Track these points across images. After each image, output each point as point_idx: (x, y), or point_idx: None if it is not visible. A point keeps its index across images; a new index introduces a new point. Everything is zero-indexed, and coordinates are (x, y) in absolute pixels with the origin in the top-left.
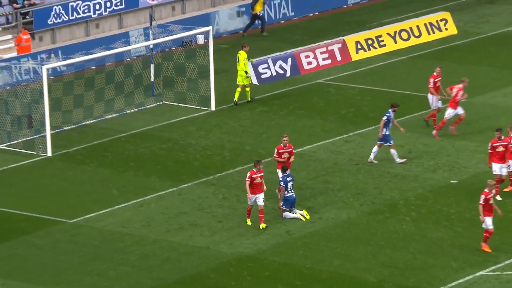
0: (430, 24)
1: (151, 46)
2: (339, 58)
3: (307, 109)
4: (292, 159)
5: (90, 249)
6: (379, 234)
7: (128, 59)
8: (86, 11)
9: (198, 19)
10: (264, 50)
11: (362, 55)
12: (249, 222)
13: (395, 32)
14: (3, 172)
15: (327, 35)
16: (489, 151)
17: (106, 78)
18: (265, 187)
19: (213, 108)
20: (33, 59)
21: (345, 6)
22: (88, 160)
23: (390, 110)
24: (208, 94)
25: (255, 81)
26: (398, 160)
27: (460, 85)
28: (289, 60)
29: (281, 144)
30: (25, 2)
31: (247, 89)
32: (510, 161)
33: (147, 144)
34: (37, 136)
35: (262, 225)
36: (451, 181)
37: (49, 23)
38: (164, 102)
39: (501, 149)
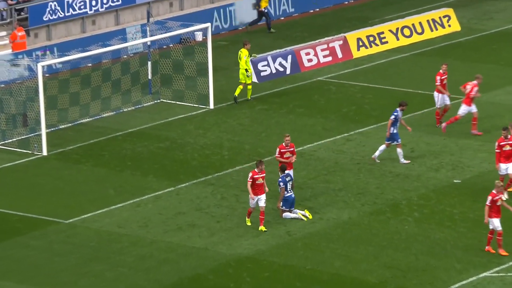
0: (433, 20)
1: (149, 43)
2: (340, 55)
3: (307, 107)
4: (294, 159)
5: (86, 250)
6: (381, 235)
7: (125, 56)
8: (82, 7)
9: (196, 15)
10: (264, 47)
11: (364, 52)
12: (248, 223)
13: (397, 29)
14: None
15: (328, 32)
16: (497, 150)
17: (102, 76)
18: (267, 189)
19: (211, 106)
20: (28, 56)
21: (346, 2)
22: (84, 159)
23: (398, 109)
24: (206, 92)
25: (254, 79)
26: (403, 160)
27: (475, 82)
28: (289, 57)
29: (283, 144)
30: None
31: (249, 87)
32: None
33: (145, 143)
34: (32, 134)
35: (262, 228)
36: (455, 181)
37: (45, 19)
38: (161, 100)
39: (508, 148)
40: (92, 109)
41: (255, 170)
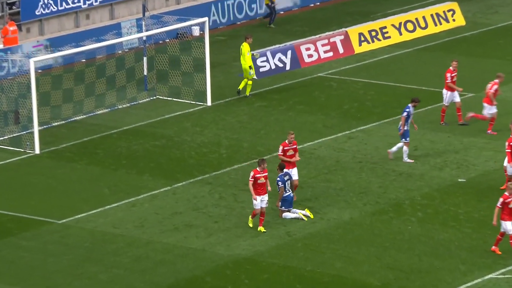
0: (437, 15)
1: (144, 38)
2: (341, 50)
3: (307, 104)
4: (297, 157)
5: (80, 251)
6: (384, 235)
7: (120, 52)
8: (75, 1)
9: (193, 9)
10: (263, 42)
11: (366, 47)
12: (250, 224)
13: (400, 23)
14: None
15: (329, 27)
16: (507, 150)
17: (97, 72)
18: (269, 188)
19: (209, 103)
20: (20, 51)
21: None
22: (78, 158)
23: (409, 105)
24: (203, 89)
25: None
26: (407, 159)
27: (496, 80)
28: (289, 52)
29: (286, 141)
30: None
31: (249, 82)
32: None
33: (140, 141)
34: (24, 132)
35: (261, 228)
36: (459, 180)
37: (37, 13)
38: (157, 96)
39: None
40: (86, 106)
41: (257, 169)
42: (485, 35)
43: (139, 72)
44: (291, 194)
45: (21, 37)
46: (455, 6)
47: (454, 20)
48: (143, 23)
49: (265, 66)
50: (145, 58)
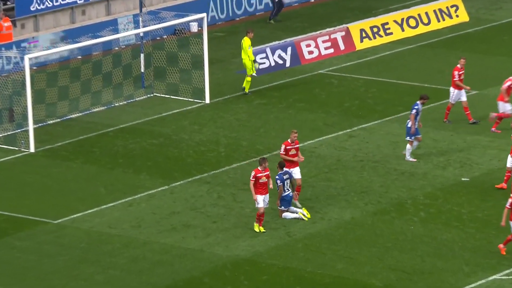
0: (440, 10)
1: (141, 34)
2: (342, 47)
3: (308, 102)
4: (300, 156)
5: (76, 252)
6: (385, 236)
7: (117, 48)
8: None
9: (191, 5)
10: (262, 38)
11: (367, 43)
12: (256, 228)
13: (402, 19)
14: None
15: (330, 23)
16: None
17: (93, 69)
18: (271, 186)
19: (207, 100)
20: (15, 47)
21: None
22: (74, 156)
23: (418, 102)
24: (202, 86)
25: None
26: (409, 158)
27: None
28: (289, 49)
29: (289, 140)
30: None
31: (248, 79)
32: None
33: (137, 139)
34: (19, 130)
35: (260, 228)
36: (463, 179)
37: (32, 9)
38: (155, 94)
39: None
40: (82, 104)
41: (258, 168)
42: (489, 32)
43: (136, 69)
44: (291, 194)
45: (16, 33)
46: (458, 1)
47: (457, 16)
48: (140, 19)
49: (264, 63)
50: (142, 55)
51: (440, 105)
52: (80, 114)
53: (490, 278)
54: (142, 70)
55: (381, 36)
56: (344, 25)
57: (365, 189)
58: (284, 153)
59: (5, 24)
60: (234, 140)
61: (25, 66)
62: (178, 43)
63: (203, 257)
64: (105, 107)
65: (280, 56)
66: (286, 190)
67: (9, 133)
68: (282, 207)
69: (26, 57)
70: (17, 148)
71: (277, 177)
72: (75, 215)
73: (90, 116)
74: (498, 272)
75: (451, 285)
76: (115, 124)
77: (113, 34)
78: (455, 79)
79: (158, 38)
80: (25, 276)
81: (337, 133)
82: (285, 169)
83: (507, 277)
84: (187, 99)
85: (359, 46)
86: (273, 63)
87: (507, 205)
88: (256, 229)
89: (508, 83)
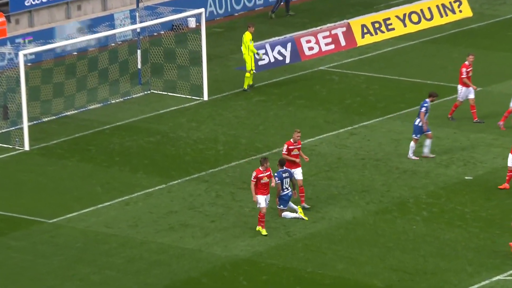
0: (443, 6)
1: (138, 30)
2: (343, 43)
3: (308, 99)
4: (305, 157)
5: (71, 252)
6: (387, 235)
7: (113, 44)
8: None
9: (189, 0)
10: (262, 34)
11: (369, 39)
12: (264, 232)
13: (404, 15)
14: None
15: (330, 18)
16: None
17: (88, 65)
18: (273, 184)
19: (205, 97)
20: (9, 44)
21: None
22: (69, 155)
23: (427, 99)
24: (200, 82)
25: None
26: (412, 155)
27: None
28: (289, 45)
29: (291, 140)
30: None
31: (247, 75)
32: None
33: (134, 137)
34: (13, 128)
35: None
36: (466, 177)
37: (26, 4)
38: (152, 91)
39: None
40: (78, 101)
41: (260, 168)
42: (493, 27)
43: (132, 66)
44: (290, 193)
45: (10, 29)
46: None
47: (460, 11)
48: (137, 14)
49: (264, 59)
50: (139, 51)
51: (443, 102)
52: (76, 111)
53: (494, 278)
54: (139, 67)
55: (382, 31)
56: (345, 21)
57: (367, 188)
58: (286, 153)
59: None
60: (233, 138)
61: (19, 63)
62: (176, 39)
63: (201, 257)
64: (101, 104)
65: (280, 52)
66: (285, 189)
67: (3, 130)
68: (281, 206)
69: (21, 53)
70: (11, 146)
71: (275, 174)
72: (70, 215)
73: (86, 113)
74: (502, 272)
75: (454, 286)
76: (111, 121)
77: (109, 30)
78: (462, 76)
79: (155, 33)
80: (20, 276)
81: (338, 131)
82: (285, 168)
83: (511, 278)
84: (184, 96)
85: (360, 42)
86: (272, 60)
87: None
88: (264, 232)
89: None
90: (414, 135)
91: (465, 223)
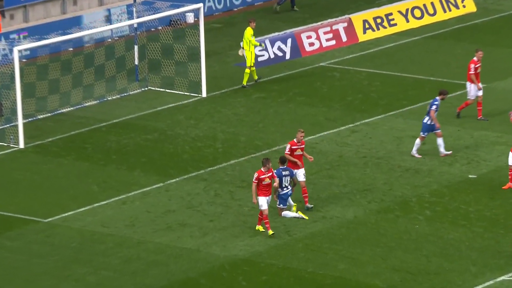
0: (446, 0)
1: (135, 26)
2: (344, 38)
3: (309, 96)
4: (308, 157)
5: (67, 252)
6: (389, 235)
7: (110, 40)
8: None
9: None
10: (261, 29)
11: (371, 35)
12: (270, 232)
13: (407, 10)
14: None
15: (332, 13)
16: None
17: (84, 61)
18: (275, 184)
19: (204, 94)
20: (4, 39)
21: None
22: (65, 153)
23: (437, 97)
24: (198, 79)
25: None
26: (416, 153)
27: None
28: (289, 41)
29: (295, 140)
30: None
31: (247, 70)
32: None
33: (131, 135)
34: (7, 125)
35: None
36: (470, 176)
37: None
38: (149, 87)
39: None
40: (74, 98)
41: (261, 169)
42: (497, 22)
43: (129, 62)
44: (290, 192)
45: (4, 25)
46: None
47: (464, 6)
48: (134, 9)
49: (263, 55)
50: (136, 47)
51: (446, 99)
52: (72, 108)
53: (499, 279)
54: (136, 63)
55: (384, 27)
56: (347, 16)
57: (368, 187)
58: (289, 153)
59: None
60: (232, 136)
61: (14, 59)
62: (174, 34)
63: (199, 257)
64: (98, 101)
65: (279, 48)
66: (285, 188)
67: None
68: (281, 205)
69: (15, 49)
70: (5, 144)
71: (275, 171)
72: (66, 214)
73: (82, 110)
74: (507, 272)
75: (458, 286)
76: (108, 119)
77: (106, 25)
78: (470, 72)
79: (152, 29)
80: (14, 277)
81: (339, 128)
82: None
83: None
84: (182, 92)
85: (362, 37)
86: (272, 56)
87: None
88: (270, 232)
89: None
90: (422, 133)
91: (469, 223)
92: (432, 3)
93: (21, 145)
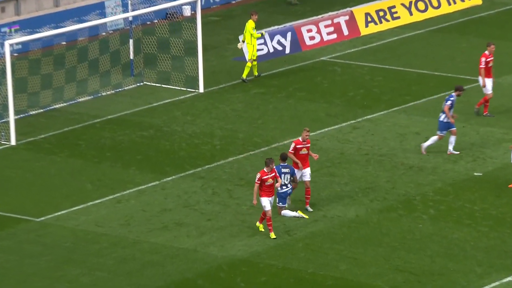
0: None
1: (130, 19)
2: (346, 32)
3: (309, 91)
4: (313, 155)
5: (60, 252)
6: (392, 235)
7: (104, 34)
8: None
9: None
10: (260, 23)
11: (373, 28)
12: (272, 235)
13: (410, 3)
14: None
15: (333, 6)
16: None
17: (78, 56)
18: (278, 184)
19: (201, 89)
20: None
21: None
22: (58, 150)
23: (453, 93)
24: (195, 74)
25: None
26: (425, 148)
27: None
28: (289, 34)
29: (300, 138)
30: None
31: (248, 64)
32: None
33: (126, 131)
34: None
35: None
36: (475, 174)
37: None
38: (145, 82)
39: None
40: (67, 93)
41: (264, 169)
42: (504, 15)
43: (124, 56)
44: (289, 191)
45: None
46: None
47: None
48: (129, 2)
49: (262, 49)
50: (131, 41)
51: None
52: (65, 104)
53: (505, 280)
54: (131, 57)
55: (387, 20)
56: (348, 9)
57: (371, 185)
58: (293, 152)
59: None
60: (230, 132)
61: (5, 53)
62: (170, 28)
63: (196, 258)
64: (92, 97)
65: (279, 42)
66: (284, 186)
67: None
68: (280, 204)
69: (7, 43)
70: None
71: (274, 167)
72: (59, 213)
73: (76, 106)
74: None
75: (463, 287)
76: (102, 115)
77: (100, 19)
78: (481, 66)
79: (148, 22)
80: (5, 277)
81: (340, 125)
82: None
83: None
84: (179, 88)
85: (364, 31)
86: (271, 50)
87: None
88: (272, 236)
89: None
90: (439, 132)
91: (474, 222)
92: None
93: (13, 141)
